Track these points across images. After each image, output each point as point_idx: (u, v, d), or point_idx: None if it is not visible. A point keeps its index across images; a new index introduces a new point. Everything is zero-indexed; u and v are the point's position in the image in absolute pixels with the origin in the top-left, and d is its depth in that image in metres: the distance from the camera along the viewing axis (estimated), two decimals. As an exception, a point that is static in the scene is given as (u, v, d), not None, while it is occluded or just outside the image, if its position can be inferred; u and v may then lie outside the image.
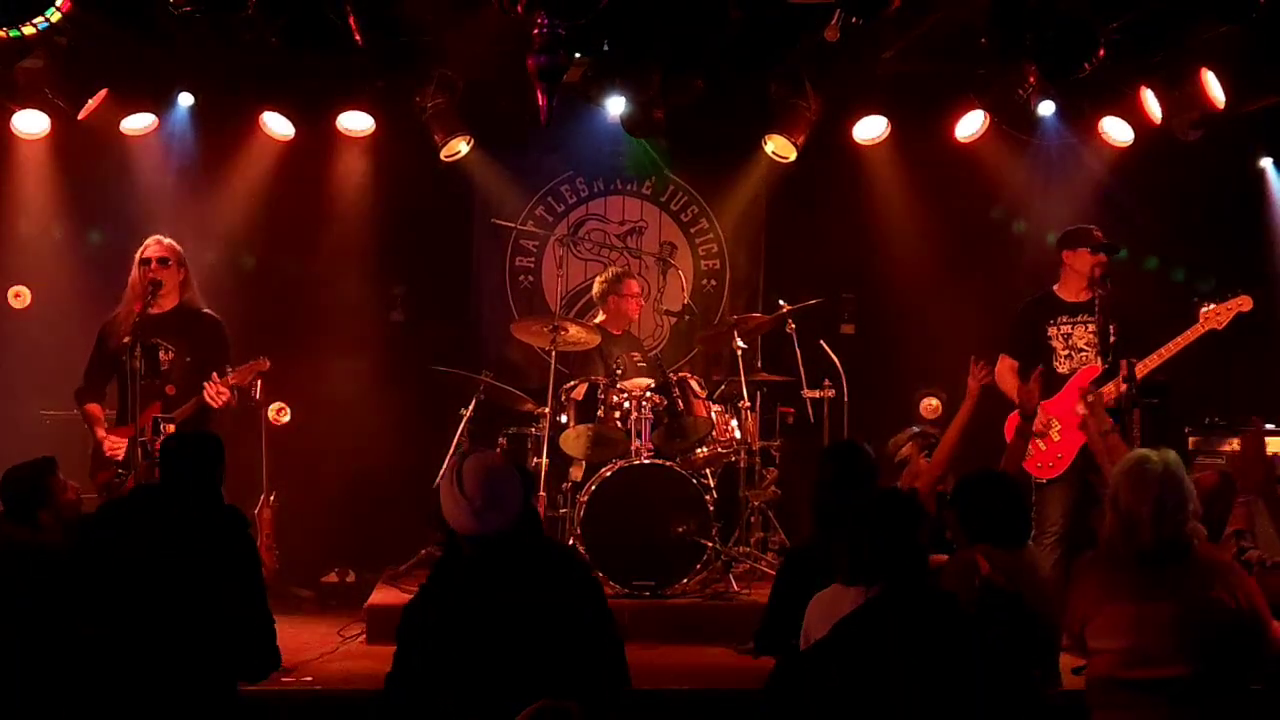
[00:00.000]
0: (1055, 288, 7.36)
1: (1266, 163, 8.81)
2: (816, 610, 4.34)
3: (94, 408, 6.99)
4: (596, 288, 8.76)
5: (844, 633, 4.07)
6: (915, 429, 7.26)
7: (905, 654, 3.94)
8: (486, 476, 4.13)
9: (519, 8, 5.46)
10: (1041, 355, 7.22)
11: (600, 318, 8.68)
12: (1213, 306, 7.02)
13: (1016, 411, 7.22)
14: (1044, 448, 7.15)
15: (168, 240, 7.14)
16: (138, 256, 7.04)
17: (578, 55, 7.43)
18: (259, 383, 7.24)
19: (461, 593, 4.12)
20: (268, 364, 7.10)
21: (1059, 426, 7.13)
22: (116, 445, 7.10)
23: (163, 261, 6.99)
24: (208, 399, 6.81)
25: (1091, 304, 7.10)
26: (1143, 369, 6.88)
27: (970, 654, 3.96)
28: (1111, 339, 6.93)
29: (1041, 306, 7.37)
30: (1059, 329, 7.26)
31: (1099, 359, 7.07)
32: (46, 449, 5.68)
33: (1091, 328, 7.14)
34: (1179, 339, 6.99)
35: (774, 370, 8.52)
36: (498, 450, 4.43)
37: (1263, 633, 4.41)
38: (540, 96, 5.69)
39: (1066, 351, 7.24)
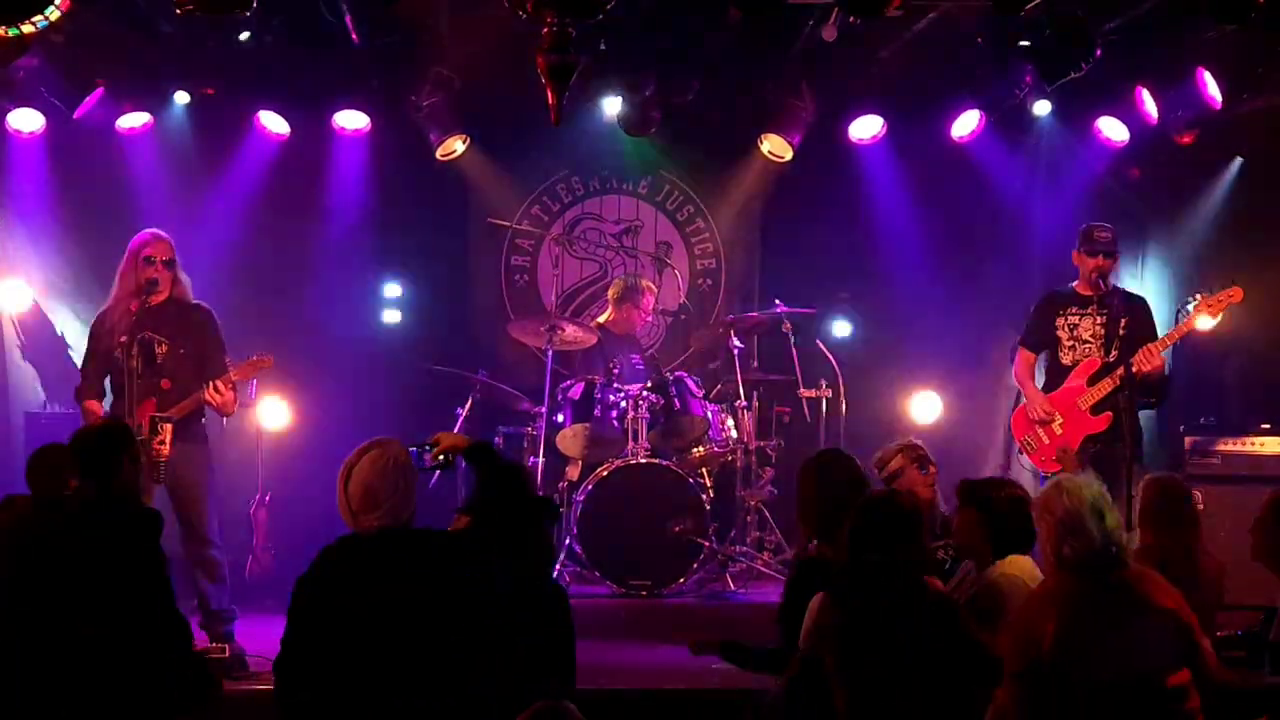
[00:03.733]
0: (1074, 283, 7.38)
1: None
2: (813, 615, 4.34)
3: (93, 404, 6.92)
4: (614, 289, 8.76)
5: (840, 635, 4.09)
6: (904, 440, 6.47)
7: (900, 655, 3.96)
8: (370, 479, 4.15)
9: (528, 5, 5.43)
10: (1049, 346, 7.32)
11: (607, 316, 8.68)
12: (1205, 298, 7.06)
13: (1023, 407, 7.27)
14: (1047, 440, 7.19)
15: (165, 236, 7.04)
16: (137, 252, 6.92)
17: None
18: (254, 382, 7.19)
19: (353, 574, 4.16)
20: (271, 361, 6.99)
21: (1061, 420, 7.16)
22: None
23: (167, 264, 6.89)
24: (209, 398, 6.74)
25: (1100, 298, 7.16)
26: (1139, 363, 6.91)
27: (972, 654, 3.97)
28: (1121, 332, 6.97)
29: (1056, 299, 7.42)
30: (1067, 319, 7.30)
31: (1101, 352, 7.11)
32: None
33: (1100, 320, 7.17)
34: (1172, 332, 7.09)
35: (770, 369, 8.52)
36: (401, 448, 4.40)
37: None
38: (550, 95, 5.65)
39: (1071, 342, 7.28)
